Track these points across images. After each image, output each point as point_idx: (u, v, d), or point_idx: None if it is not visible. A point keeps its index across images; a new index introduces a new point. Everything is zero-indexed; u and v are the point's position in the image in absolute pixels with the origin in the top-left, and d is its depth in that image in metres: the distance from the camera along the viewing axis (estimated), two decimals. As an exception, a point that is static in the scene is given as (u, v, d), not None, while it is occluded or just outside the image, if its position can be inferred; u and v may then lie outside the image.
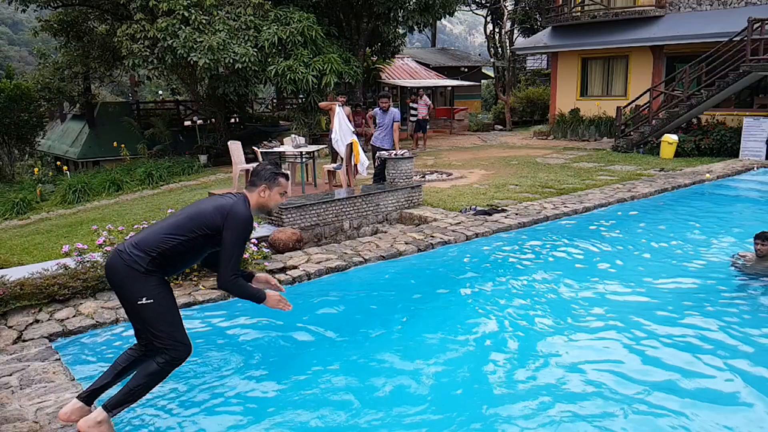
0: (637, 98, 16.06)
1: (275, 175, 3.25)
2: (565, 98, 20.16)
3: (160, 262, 3.07)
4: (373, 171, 10.23)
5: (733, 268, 6.09)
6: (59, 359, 4.18)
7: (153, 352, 3.15)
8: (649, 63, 17.97)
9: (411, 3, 18.04)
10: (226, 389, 3.99)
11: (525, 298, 5.58)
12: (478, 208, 8.77)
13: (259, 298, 3.23)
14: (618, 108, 16.16)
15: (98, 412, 3.10)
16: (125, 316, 4.85)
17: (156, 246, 3.05)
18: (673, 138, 14.06)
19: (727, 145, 14.13)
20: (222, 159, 17.12)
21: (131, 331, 4.72)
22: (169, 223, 3.14)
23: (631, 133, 15.74)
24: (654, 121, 15.25)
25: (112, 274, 3.10)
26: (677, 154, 14.14)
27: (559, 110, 20.24)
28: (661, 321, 4.92)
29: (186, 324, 4.92)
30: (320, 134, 16.95)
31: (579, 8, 19.58)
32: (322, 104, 10.29)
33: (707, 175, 11.26)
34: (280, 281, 5.78)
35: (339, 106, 9.55)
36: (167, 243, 3.05)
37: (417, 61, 27.50)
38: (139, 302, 3.03)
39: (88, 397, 3.24)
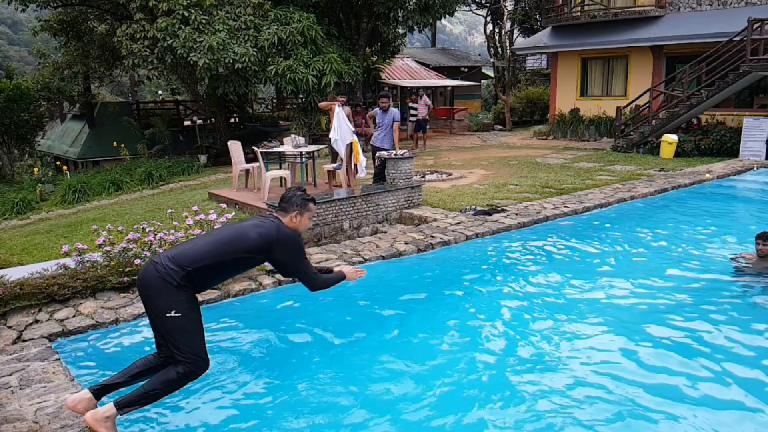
0: (637, 98, 16.06)
1: (306, 201, 3.41)
2: (565, 98, 20.16)
3: (194, 278, 3.15)
4: (372, 171, 10.23)
5: (733, 268, 6.08)
6: (59, 359, 4.17)
7: (172, 362, 3.20)
8: (649, 63, 17.97)
9: (411, 3, 18.03)
10: (223, 389, 3.99)
11: (525, 299, 5.57)
12: (478, 208, 8.76)
13: (341, 278, 3.61)
14: (618, 108, 16.16)
15: (108, 407, 3.11)
16: (125, 316, 4.88)
17: (192, 262, 3.12)
18: (673, 138, 14.07)
19: (727, 145, 14.14)
20: (222, 159, 17.12)
21: (130, 330, 4.73)
22: (207, 242, 3.23)
23: (631, 133, 15.75)
24: (654, 121, 15.25)
25: (144, 283, 3.15)
26: (677, 154, 14.14)
27: (559, 110, 20.24)
28: (661, 322, 4.92)
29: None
30: (320, 134, 16.94)
31: (579, 8, 19.58)
32: (322, 104, 10.29)
33: (707, 175, 11.26)
34: (279, 281, 5.78)
35: (339, 106, 9.54)
36: (204, 261, 3.14)
37: (417, 61, 27.49)
38: (168, 315, 3.09)
39: (98, 391, 3.24)
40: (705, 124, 15.35)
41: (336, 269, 3.73)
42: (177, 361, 3.15)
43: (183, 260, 3.11)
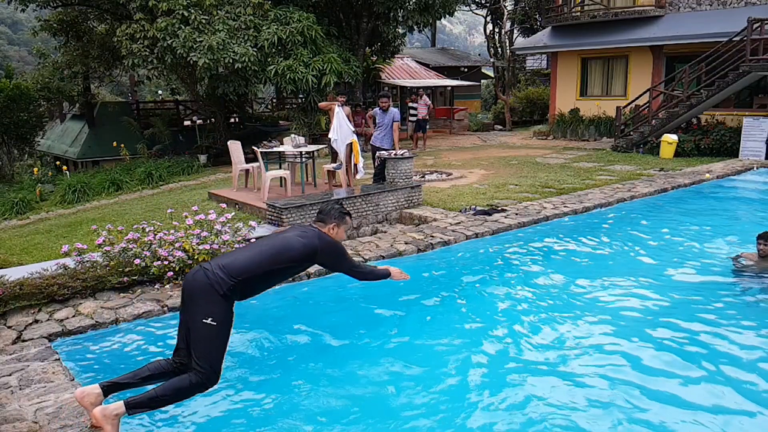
0: (637, 98, 16.06)
1: (343, 215, 3.66)
2: (565, 98, 20.15)
3: (241, 288, 3.26)
4: (369, 172, 10.22)
5: (734, 267, 6.08)
6: (59, 359, 4.17)
7: (186, 370, 3.22)
8: (649, 63, 17.97)
9: (411, 3, 18.02)
10: (220, 389, 3.99)
11: (524, 299, 5.57)
12: (478, 208, 8.76)
13: (386, 275, 3.85)
14: (618, 108, 16.16)
15: (118, 406, 3.11)
16: (125, 316, 4.87)
17: (240, 273, 3.23)
18: (673, 138, 14.06)
19: (726, 145, 14.14)
20: (222, 159, 17.11)
21: (130, 330, 4.73)
22: (254, 253, 3.35)
23: (631, 133, 15.75)
24: (654, 121, 15.25)
25: (191, 285, 3.22)
26: (677, 154, 14.14)
27: (558, 110, 20.24)
28: (661, 322, 4.91)
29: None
30: (320, 134, 16.93)
31: (579, 8, 19.57)
32: (322, 104, 10.28)
33: (707, 174, 11.26)
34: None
35: (339, 106, 9.54)
36: (252, 272, 3.26)
37: (417, 61, 27.49)
38: (204, 321, 3.13)
39: (107, 388, 3.25)
40: (705, 124, 15.35)
41: (388, 267, 3.97)
42: (192, 369, 3.17)
43: (232, 270, 3.21)
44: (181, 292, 3.29)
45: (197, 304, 3.17)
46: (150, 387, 3.25)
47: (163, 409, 3.59)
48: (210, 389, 3.24)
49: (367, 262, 6.38)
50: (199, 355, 3.15)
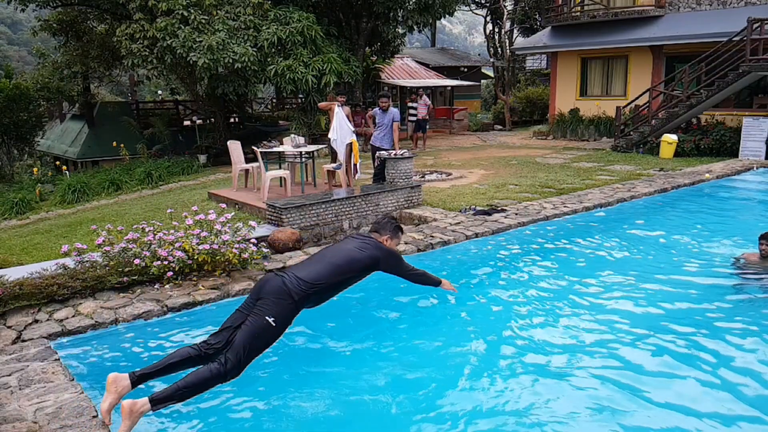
0: (637, 98, 16.06)
1: (396, 230, 4.02)
2: (565, 98, 20.15)
3: (312, 297, 3.49)
4: (365, 173, 10.21)
5: (736, 268, 6.07)
6: (58, 359, 4.17)
7: (211, 359, 3.29)
8: (649, 63, 17.97)
9: (410, 3, 18.03)
10: (221, 390, 3.98)
11: (524, 299, 5.57)
12: (478, 208, 8.76)
13: (437, 282, 4.21)
14: (617, 108, 16.16)
15: (144, 402, 3.12)
16: (124, 316, 4.86)
17: (315, 283, 3.47)
18: (673, 138, 14.06)
19: (726, 145, 14.14)
20: (221, 159, 17.11)
21: (130, 330, 4.72)
22: (323, 265, 3.60)
23: (631, 133, 15.75)
24: (653, 121, 15.26)
25: (267, 285, 3.45)
26: (677, 154, 14.14)
27: (558, 110, 20.24)
28: (661, 323, 4.91)
29: (184, 325, 4.94)
30: (320, 134, 16.94)
31: (578, 8, 19.58)
32: (322, 104, 10.28)
33: (707, 175, 11.26)
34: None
35: (338, 106, 9.54)
36: (325, 281, 3.51)
37: (417, 61, 27.49)
38: (268, 318, 3.32)
39: (137, 379, 3.28)
40: (705, 123, 15.35)
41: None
42: (221, 357, 3.24)
43: (309, 281, 3.47)
44: (252, 291, 3.52)
45: (267, 302, 3.36)
46: (176, 378, 3.26)
47: (162, 410, 3.60)
48: (226, 382, 3.27)
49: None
50: (237, 344, 3.25)
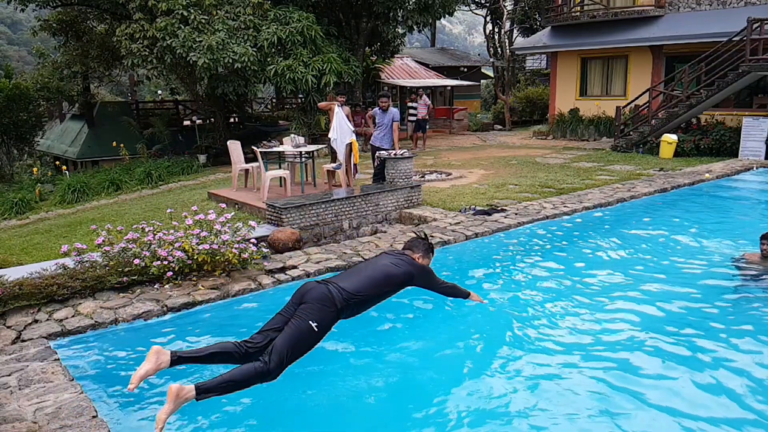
0: (637, 98, 16.06)
1: (428, 251, 4.18)
2: (565, 98, 20.15)
3: (351, 307, 3.64)
4: (371, 172, 10.21)
5: (736, 268, 6.06)
6: (58, 359, 4.16)
7: (249, 358, 3.35)
8: (649, 63, 17.97)
9: (410, 3, 18.02)
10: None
11: (523, 299, 5.57)
12: (478, 208, 8.76)
13: (466, 294, 4.32)
14: (617, 108, 16.16)
15: (191, 389, 3.15)
16: (124, 316, 4.86)
17: (355, 294, 3.63)
18: (673, 138, 14.06)
19: (726, 145, 14.14)
20: (221, 159, 17.11)
21: (130, 330, 4.72)
22: (362, 278, 3.76)
23: (631, 132, 15.75)
24: (653, 121, 15.26)
25: (312, 291, 3.56)
26: (677, 154, 14.14)
27: (558, 110, 20.25)
28: (660, 324, 4.91)
29: (185, 325, 4.94)
30: (319, 134, 16.94)
31: (578, 8, 19.58)
32: (321, 104, 10.28)
33: (707, 174, 11.26)
34: (279, 281, 5.78)
35: (338, 106, 9.54)
36: (365, 293, 3.68)
37: (416, 61, 27.49)
38: (311, 323, 3.42)
39: (177, 359, 3.32)
40: (704, 123, 15.35)
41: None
42: (264, 357, 3.30)
43: (352, 290, 3.63)
44: (294, 296, 3.63)
45: (311, 307, 3.47)
46: (219, 371, 3.32)
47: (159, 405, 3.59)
48: (266, 382, 3.32)
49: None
50: (280, 346, 3.32)
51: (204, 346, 3.44)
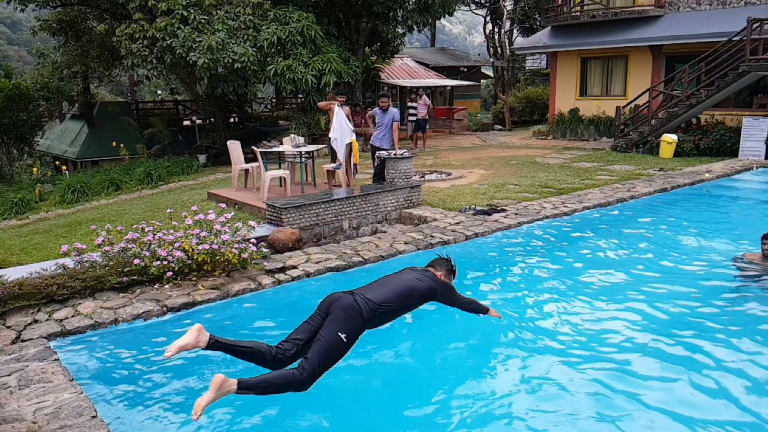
0: (637, 98, 16.06)
1: (450, 273, 4.29)
2: (565, 98, 20.15)
3: (377, 318, 3.71)
4: (371, 172, 10.21)
5: (736, 268, 6.05)
6: (58, 359, 4.16)
7: (279, 364, 3.46)
8: (649, 63, 17.97)
9: (410, 2, 18.01)
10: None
11: (523, 299, 5.57)
12: (478, 208, 8.76)
13: (485, 310, 4.31)
14: (617, 108, 16.16)
15: (233, 383, 3.22)
16: (124, 316, 4.86)
17: (381, 305, 3.72)
18: (673, 138, 14.06)
19: (726, 145, 14.14)
20: (221, 159, 17.10)
21: (129, 330, 4.72)
22: (387, 290, 3.84)
23: (631, 132, 15.75)
24: (653, 121, 15.26)
25: (339, 301, 3.65)
26: (676, 154, 14.14)
27: (558, 110, 20.25)
28: (660, 323, 4.91)
29: (185, 324, 4.94)
30: (319, 134, 16.93)
31: (578, 8, 19.58)
32: (321, 104, 10.27)
33: (707, 174, 11.26)
34: (279, 281, 5.78)
35: (338, 105, 9.53)
36: (390, 304, 3.77)
37: (416, 61, 27.48)
38: (340, 334, 3.50)
39: (213, 344, 3.38)
40: (704, 123, 15.35)
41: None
42: (299, 367, 3.40)
43: (376, 301, 3.71)
44: (321, 305, 3.71)
45: (339, 318, 3.56)
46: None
47: (163, 407, 3.60)
48: (301, 392, 3.38)
49: (367, 263, 6.40)
50: (313, 358, 3.40)
51: (239, 339, 3.54)
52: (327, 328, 3.53)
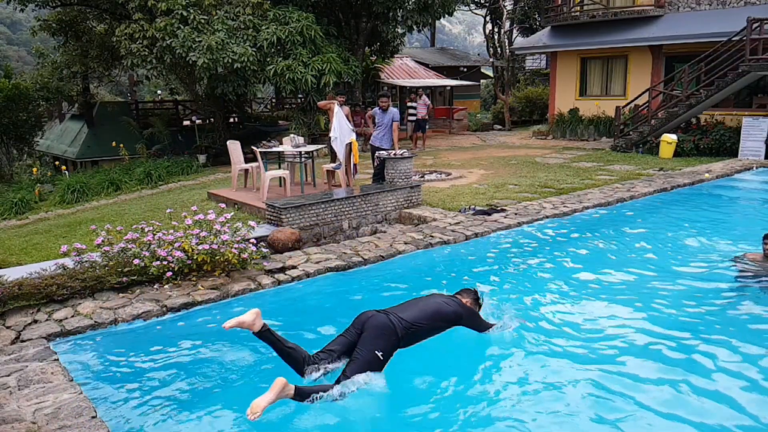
0: (636, 98, 16.07)
1: (477, 300, 4.60)
2: (565, 98, 20.16)
3: (410, 336, 3.96)
4: (371, 172, 10.21)
5: (737, 268, 6.04)
6: (57, 359, 4.16)
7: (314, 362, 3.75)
8: (648, 63, 17.97)
9: (410, 2, 18.02)
10: (226, 389, 3.99)
11: (522, 299, 5.56)
12: (478, 208, 8.76)
13: (504, 327, 4.62)
14: (617, 108, 16.17)
15: (291, 388, 3.43)
16: (124, 316, 4.86)
17: (413, 324, 3.97)
18: (672, 137, 14.07)
19: (726, 145, 14.14)
20: (221, 159, 17.10)
21: (129, 331, 4.72)
22: (419, 311, 4.09)
23: (630, 132, 15.75)
24: (653, 121, 15.26)
25: (373, 320, 3.88)
26: (676, 154, 14.14)
27: (558, 110, 20.25)
28: (660, 324, 4.90)
29: (185, 325, 4.95)
30: (319, 134, 16.94)
31: (578, 8, 19.58)
32: (321, 103, 10.28)
33: (706, 174, 11.26)
34: (278, 281, 5.78)
35: (338, 105, 9.53)
36: (420, 325, 4.01)
37: (416, 61, 27.49)
38: (377, 352, 3.75)
39: (264, 332, 3.70)
40: (704, 123, 15.35)
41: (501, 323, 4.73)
42: (339, 380, 3.64)
43: (409, 320, 3.95)
44: (356, 322, 3.94)
45: (376, 338, 3.79)
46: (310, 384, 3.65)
47: (165, 406, 3.60)
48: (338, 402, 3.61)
49: (367, 263, 6.40)
50: (350, 372, 3.64)
51: (285, 338, 3.80)
52: (364, 347, 3.75)
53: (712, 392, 3.86)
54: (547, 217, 8.25)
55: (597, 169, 12.63)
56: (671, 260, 6.54)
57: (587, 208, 8.78)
